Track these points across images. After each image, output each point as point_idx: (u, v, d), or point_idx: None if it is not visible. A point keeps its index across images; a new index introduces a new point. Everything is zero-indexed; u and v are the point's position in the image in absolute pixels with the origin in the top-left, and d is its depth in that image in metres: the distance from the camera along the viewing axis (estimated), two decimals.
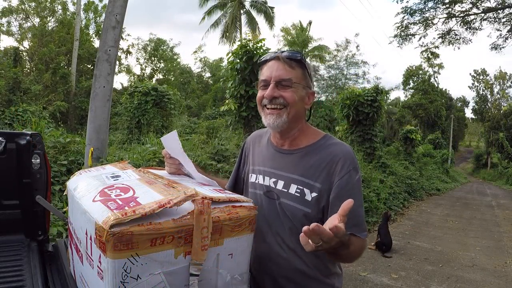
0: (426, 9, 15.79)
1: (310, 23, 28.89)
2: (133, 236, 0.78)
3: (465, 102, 52.72)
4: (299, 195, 1.10)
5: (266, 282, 1.19)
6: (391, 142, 22.22)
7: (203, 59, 33.87)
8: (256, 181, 1.24)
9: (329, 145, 1.13)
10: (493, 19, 15.09)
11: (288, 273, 1.15)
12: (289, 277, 1.15)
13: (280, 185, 1.14)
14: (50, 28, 23.33)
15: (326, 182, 1.07)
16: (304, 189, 1.09)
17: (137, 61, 32.76)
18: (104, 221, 0.78)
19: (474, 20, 15.50)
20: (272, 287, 1.19)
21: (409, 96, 43.04)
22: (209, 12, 25.08)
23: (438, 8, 15.65)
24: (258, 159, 1.27)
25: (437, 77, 43.39)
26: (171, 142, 1.20)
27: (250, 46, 6.70)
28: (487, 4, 14.64)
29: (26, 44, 23.54)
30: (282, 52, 1.13)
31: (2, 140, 1.55)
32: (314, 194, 1.08)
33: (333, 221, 0.80)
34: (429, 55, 19.42)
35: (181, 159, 1.22)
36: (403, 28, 16.65)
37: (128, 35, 31.07)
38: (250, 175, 1.29)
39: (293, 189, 1.11)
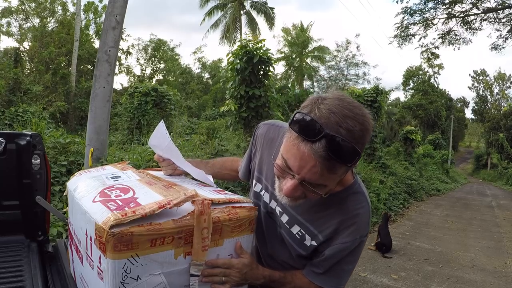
0: (426, 10, 15.84)
1: (311, 24, 28.95)
2: (133, 236, 0.78)
3: (465, 103, 52.76)
4: (299, 237, 1.03)
5: None
6: (391, 143, 22.21)
7: (201, 60, 33.93)
8: (261, 194, 1.13)
9: (349, 200, 0.97)
10: (493, 20, 15.12)
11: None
12: None
13: (285, 219, 1.05)
14: (50, 28, 23.34)
15: (328, 238, 0.98)
16: (306, 235, 1.01)
17: (137, 62, 32.77)
18: (104, 221, 0.78)
19: (474, 21, 15.54)
20: None
21: (409, 97, 43.08)
22: (210, 13, 25.11)
23: (438, 9, 15.69)
24: (267, 171, 1.10)
25: (437, 77, 43.49)
26: (159, 139, 1.18)
27: (250, 46, 6.71)
28: (487, 5, 14.68)
29: (26, 44, 23.58)
30: (330, 137, 0.73)
31: (2, 140, 1.55)
32: (313, 243, 1.00)
33: None
34: (429, 55, 19.46)
35: (171, 155, 1.19)
36: (403, 29, 16.68)
37: (128, 35, 31.10)
38: (255, 183, 1.16)
39: (295, 229, 1.03)
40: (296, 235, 1.03)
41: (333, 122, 0.74)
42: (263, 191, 1.12)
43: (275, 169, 0.87)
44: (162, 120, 1.18)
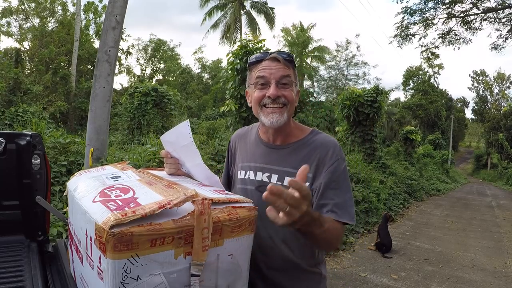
0: (426, 9, 15.82)
1: (312, 26, 28.94)
2: (133, 236, 0.78)
3: (465, 103, 52.77)
4: None
5: (254, 275, 1.18)
6: (391, 143, 22.22)
7: (201, 60, 33.93)
8: (246, 177, 1.26)
9: (317, 138, 1.20)
10: (493, 19, 15.11)
11: (277, 264, 1.18)
12: (278, 268, 1.18)
13: (275, 178, 1.18)
14: (50, 28, 23.35)
15: (316, 171, 1.14)
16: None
17: (137, 62, 32.81)
18: (104, 221, 0.78)
19: (474, 20, 15.53)
20: (260, 279, 1.20)
21: (409, 97, 43.10)
22: (210, 13, 25.12)
23: (438, 8, 15.68)
24: (246, 156, 1.30)
25: (437, 77, 43.53)
26: (178, 136, 1.18)
27: (250, 46, 6.71)
28: (487, 4, 14.66)
29: (26, 44, 23.58)
30: (278, 52, 1.18)
31: (2, 140, 1.55)
32: (306, 184, 1.11)
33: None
34: (429, 55, 19.42)
35: (185, 156, 1.19)
36: (403, 28, 16.66)
37: (128, 35, 31.15)
38: (238, 172, 1.31)
39: (287, 181, 1.09)
40: None
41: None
42: (248, 172, 1.26)
43: (258, 92, 1.16)
44: (188, 120, 1.17)
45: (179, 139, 1.18)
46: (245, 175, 1.27)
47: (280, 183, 1.16)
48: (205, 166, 1.19)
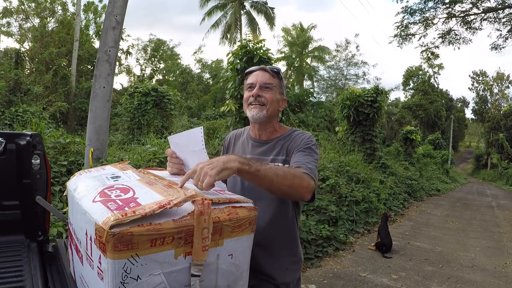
0: (426, 9, 15.81)
1: (313, 27, 28.92)
2: (133, 236, 0.78)
3: (465, 103, 52.73)
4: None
5: None
6: (391, 143, 22.20)
7: (201, 60, 33.94)
8: None
9: (294, 133, 1.47)
10: (493, 19, 15.10)
11: (261, 240, 1.28)
12: (262, 244, 1.32)
13: None
14: (50, 28, 23.35)
15: (292, 151, 1.40)
16: (279, 164, 1.38)
17: (137, 62, 32.81)
18: (104, 221, 0.78)
19: (474, 20, 15.52)
20: None
21: (409, 97, 43.06)
22: (210, 13, 25.11)
23: (438, 8, 15.67)
24: (239, 151, 1.55)
25: (437, 77, 43.48)
26: (190, 140, 1.20)
27: (251, 46, 6.70)
28: (487, 4, 14.66)
29: (26, 45, 23.58)
30: (268, 66, 1.49)
31: (2, 140, 1.55)
32: (286, 166, 1.36)
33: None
34: (429, 55, 19.40)
35: (192, 160, 1.20)
36: (403, 28, 16.65)
37: (128, 35, 31.12)
38: None
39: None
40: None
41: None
42: None
43: (246, 93, 1.48)
44: (202, 127, 1.22)
45: (190, 143, 1.20)
46: None
47: None
48: None
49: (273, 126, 1.49)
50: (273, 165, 1.21)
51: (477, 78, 45.70)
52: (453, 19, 15.77)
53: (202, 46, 47.35)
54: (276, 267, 1.38)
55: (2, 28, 23.05)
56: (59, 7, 23.80)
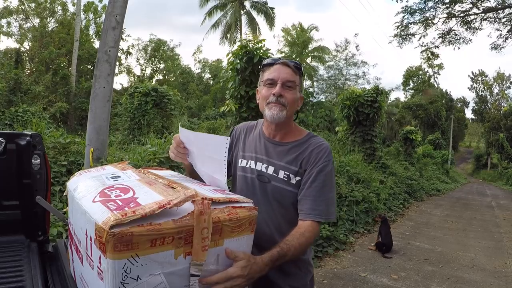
0: (426, 9, 15.82)
1: (314, 27, 28.93)
2: (133, 236, 0.77)
3: (465, 103, 52.69)
4: (286, 179, 1.33)
5: None
6: (391, 143, 22.20)
7: (202, 60, 33.94)
8: (247, 166, 1.42)
9: (312, 141, 1.37)
10: (493, 19, 15.10)
11: (269, 248, 1.22)
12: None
13: (271, 170, 1.35)
14: (50, 29, 23.35)
15: (306, 167, 1.32)
16: (290, 174, 1.33)
17: (137, 62, 32.84)
18: (104, 221, 0.78)
19: (474, 20, 15.52)
20: None
21: (409, 97, 43.07)
22: (210, 13, 25.13)
23: (438, 8, 15.67)
24: (250, 146, 1.46)
25: (437, 77, 43.50)
26: (211, 146, 1.16)
27: (251, 46, 6.69)
28: (487, 4, 14.66)
29: (26, 45, 23.57)
30: (289, 60, 1.37)
31: (2, 140, 1.54)
32: (297, 178, 1.32)
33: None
34: (429, 55, 19.41)
35: (206, 163, 1.19)
36: (403, 28, 16.65)
37: (128, 35, 31.16)
38: (240, 160, 1.46)
39: (281, 174, 1.34)
40: (283, 177, 1.33)
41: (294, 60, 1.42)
42: (249, 161, 1.42)
43: (266, 90, 1.34)
44: (229, 138, 1.13)
45: (209, 147, 1.17)
46: (246, 164, 1.42)
47: (275, 175, 1.34)
48: (223, 182, 1.17)
49: (289, 127, 1.39)
50: (290, 247, 1.12)
51: (476, 78, 45.70)
52: (453, 19, 15.78)
53: (201, 47, 47.39)
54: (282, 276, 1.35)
55: (2, 28, 23.04)
56: (59, 7, 23.81)
